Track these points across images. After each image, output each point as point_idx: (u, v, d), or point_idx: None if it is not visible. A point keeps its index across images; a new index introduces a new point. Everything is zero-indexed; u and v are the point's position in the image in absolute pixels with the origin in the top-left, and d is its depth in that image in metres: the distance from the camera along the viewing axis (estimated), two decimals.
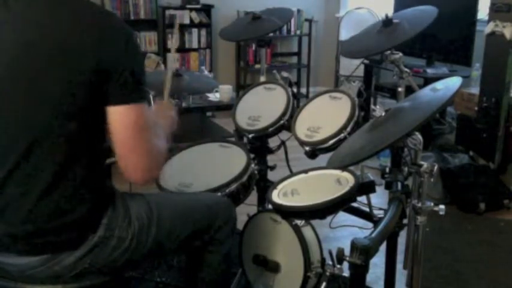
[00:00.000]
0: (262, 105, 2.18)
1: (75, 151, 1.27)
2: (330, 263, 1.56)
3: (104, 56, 1.23)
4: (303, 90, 5.87)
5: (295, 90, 2.65)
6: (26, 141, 1.24)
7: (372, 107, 1.53)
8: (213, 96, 3.97)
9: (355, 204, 1.81)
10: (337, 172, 1.69)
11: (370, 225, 1.88)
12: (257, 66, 5.53)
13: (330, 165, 1.51)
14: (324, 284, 1.64)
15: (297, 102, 4.05)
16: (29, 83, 1.24)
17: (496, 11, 3.36)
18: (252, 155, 2.04)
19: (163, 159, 1.44)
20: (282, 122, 2.07)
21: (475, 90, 3.69)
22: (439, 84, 1.45)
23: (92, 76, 1.23)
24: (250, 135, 2.11)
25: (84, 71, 1.23)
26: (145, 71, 1.36)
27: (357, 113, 1.93)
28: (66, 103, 1.24)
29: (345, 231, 2.33)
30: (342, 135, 1.88)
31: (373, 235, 1.34)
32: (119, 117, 1.26)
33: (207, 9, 5.42)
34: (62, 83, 1.23)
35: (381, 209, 1.77)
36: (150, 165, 1.34)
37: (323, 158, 1.74)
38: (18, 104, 1.25)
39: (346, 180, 1.63)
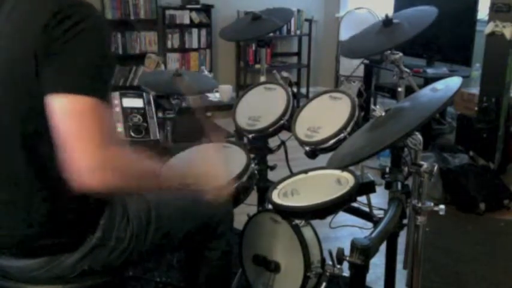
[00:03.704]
0: (262, 105, 2.18)
1: (50, 152, 1.18)
2: (330, 263, 1.56)
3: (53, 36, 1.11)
4: (303, 90, 5.87)
5: (295, 90, 2.66)
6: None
7: (372, 107, 1.53)
8: (213, 96, 3.98)
9: (355, 204, 1.81)
10: (337, 172, 1.69)
11: (370, 225, 1.88)
12: (257, 66, 5.53)
13: (330, 165, 1.51)
14: (324, 284, 1.64)
15: (297, 102, 4.07)
16: None
17: (496, 11, 3.36)
18: (252, 155, 2.03)
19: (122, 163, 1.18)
20: (282, 122, 2.06)
21: (475, 90, 3.70)
22: (439, 84, 1.45)
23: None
24: (250, 135, 2.11)
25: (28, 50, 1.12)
26: (107, 70, 1.21)
27: (357, 113, 1.93)
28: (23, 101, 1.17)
29: (345, 231, 2.33)
30: (342, 135, 1.87)
31: (373, 235, 1.34)
32: (56, 106, 1.11)
33: (207, 9, 5.42)
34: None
35: (380, 209, 1.77)
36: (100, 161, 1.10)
37: (323, 158, 1.74)
38: None
39: (346, 180, 1.63)
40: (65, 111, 1.11)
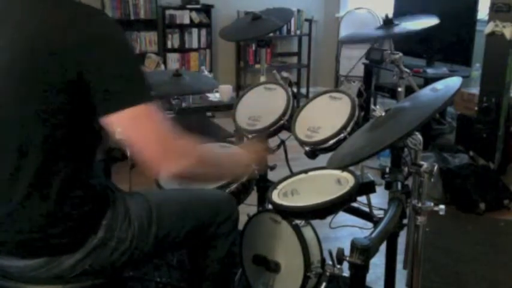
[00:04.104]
0: (262, 105, 2.18)
1: (56, 155, 1.25)
2: (330, 263, 1.56)
3: (83, 64, 1.18)
4: (303, 90, 5.87)
5: (295, 90, 2.65)
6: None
7: (372, 107, 1.53)
8: (213, 96, 3.97)
9: (355, 204, 1.81)
10: (337, 172, 1.69)
11: (370, 225, 1.88)
12: (257, 66, 5.53)
13: (330, 165, 1.51)
14: (324, 284, 1.64)
15: (297, 102, 4.06)
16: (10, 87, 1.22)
17: (496, 11, 3.36)
18: None
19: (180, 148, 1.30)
20: (282, 122, 2.06)
21: (475, 90, 3.69)
22: (439, 84, 1.45)
23: (71, 83, 1.18)
24: (250, 135, 2.11)
25: (62, 75, 1.18)
26: (142, 71, 1.28)
27: (357, 113, 1.93)
28: (41, 107, 1.20)
29: (345, 231, 2.33)
30: (342, 135, 1.87)
31: (373, 235, 1.34)
32: (119, 125, 1.22)
33: (207, 9, 5.42)
34: (37, 86, 1.19)
35: (380, 209, 1.76)
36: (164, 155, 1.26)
37: (323, 158, 1.73)
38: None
39: (346, 180, 1.63)
40: (126, 126, 1.22)
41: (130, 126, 1.22)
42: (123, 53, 1.24)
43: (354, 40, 2.45)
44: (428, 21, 1.95)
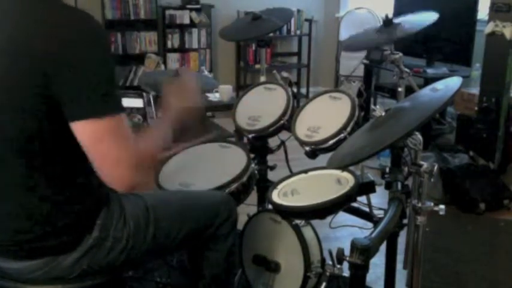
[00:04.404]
0: (262, 105, 2.18)
1: (47, 155, 1.24)
2: (330, 263, 1.56)
3: (50, 70, 1.15)
4: (303, 90, 5.87)
5: (295, 90, 2.65)
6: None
7: (372, 107, 1.53)
8: (213, 96, 3.97)
9: (355, 204, 1.81)
10: (337, 172, 1.69)
11: (370, 225, 1.89)
12: (257, 66, 5.53)
13: (330, 165, 1.51)
14: (324, 284, 1.64)
15: (297, 102, 4.06)
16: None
17: (496, 11, 3.36)
18: (252, 155, 2.04)
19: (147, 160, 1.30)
20: (282, 122, 2.06)
21: (475, 90, 3.69)
22: (439, 84, 1.45)
23: (40, 86, 1.16)
24: (250, 135, 2.11)
25: (33, 79, 1.16)
26: (112, 81, 1.24)
27: (357, 113, 1.93)
28: (20, 110, 1.19)
29: (345, 231, 2.33)
30: (342, 135, 1.88)
31: (373, 235, 1.34)
32: (81, 133, 1.19)
33: (207, 9, 5.42)
34: (14, 89, 1.18)
35: (380, 209, 1.77)
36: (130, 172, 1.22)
37: (323, 158, 1.74)
38: None
39: (346, 180, 1.63)
40: (89, 137, 1.19)
41: (94, 141, 1.19)
42: (92, 62, 1.18)
43: (353, 48, 2.44)
44: (429, 17, 1.94)
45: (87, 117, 1.17)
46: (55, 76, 1.15)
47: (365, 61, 4.61)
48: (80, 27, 1.18)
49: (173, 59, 5.40)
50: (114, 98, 1.21)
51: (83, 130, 1.18)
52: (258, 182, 2.08)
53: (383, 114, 1.45)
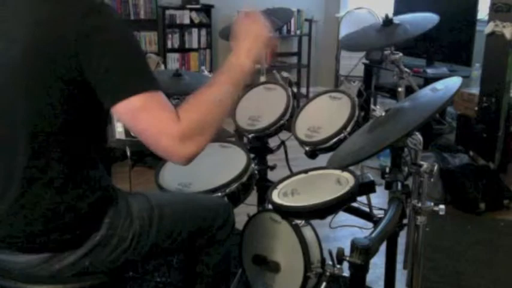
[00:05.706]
0: (262, 105, 2.18)
1: (56, 149, 1.25)
2: (330, 263, 1.56)
3: (80, 58, 1.17)
4: (303, 90, 5.87)
5: (295, 90, 2.65)
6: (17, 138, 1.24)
7: (372, 107, 1.54)
8: None
9: (355, 204, 1.81)
10: (337, 172, 1.69)
11: (370, 225, 1.89)
12: (257, 66, 5.52)
13: (330, 165, 1.51)
14: (324, 284, 1.64)
15: (297, 102, 4.06)
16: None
17: (496, 11, 3.36)
18: (252, 155, 2.04)
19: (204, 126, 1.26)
20: (282, 122, 2.07)
21: (475, 90, 3.69)
22: (439, 84, 1.45)
23: (71, 76, 1.18)
24: (250, 135, 2.11)
25: (64, 70, 1.18)
26: (141, 61, 1.24)
27: (357, 113, 1.93)
28: (45, 100, 1.21)
29: (345, 231, 2.33)
30: (342, 135, 1.88)
31: (373, 235, 1.34)
32: (120, 112, 1.20)
33: (207, 9, 5.42)
34: (38, 80, 1.20)
35: (380, 209, 1.77)
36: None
37: (323, 158, 1.74)
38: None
39: (346, 180, 1.63)
40: (132, 116, 1.19)
41: (137, 118, 1.20)
42: (117, 45, 1.21)
43: (352, 48, 2.44)
44: (429, 20, 1.94)
45: (126, 96, 1.18)
46: (88, 62, 1.17)
47: (365, 61, 4.63)
48: (97, 16, 1.20)
49: (173, 59, 5.41)
50: (148, 72, 1.23)
51: (123, 110, 1.19)
52: (258, 182, 2.08)
53: (383, 114, 1.45)
